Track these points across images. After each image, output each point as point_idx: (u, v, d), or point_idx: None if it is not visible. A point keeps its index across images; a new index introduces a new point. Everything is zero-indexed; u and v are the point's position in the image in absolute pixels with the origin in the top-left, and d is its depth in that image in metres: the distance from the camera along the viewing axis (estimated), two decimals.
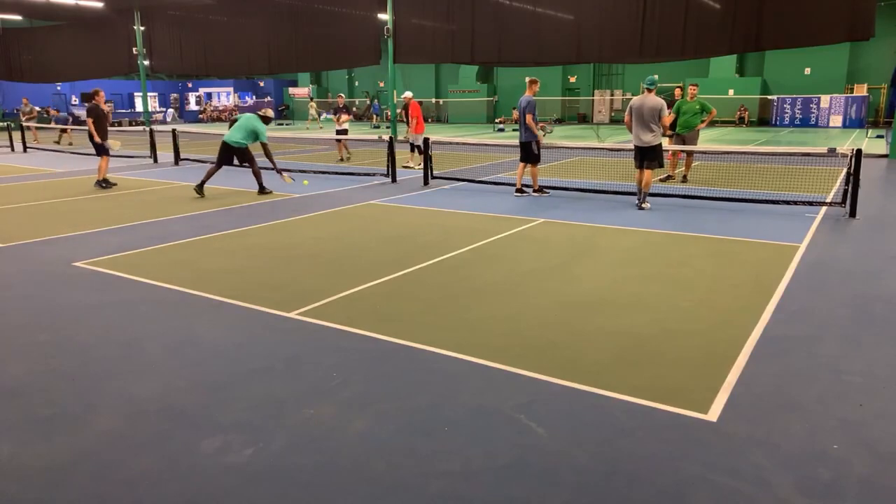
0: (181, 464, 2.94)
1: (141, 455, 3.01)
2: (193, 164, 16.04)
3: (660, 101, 9.04)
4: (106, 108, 12.49)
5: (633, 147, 9.47)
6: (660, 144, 9.23)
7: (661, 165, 9.45)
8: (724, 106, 29.88)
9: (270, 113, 11.50)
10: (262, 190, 11.18)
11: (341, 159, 16.81)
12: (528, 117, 10.22)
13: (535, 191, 10.82)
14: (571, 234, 7.83)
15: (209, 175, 11.04)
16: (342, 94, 17.89)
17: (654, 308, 5.00)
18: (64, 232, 8.09)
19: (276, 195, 11.03)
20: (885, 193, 10.93)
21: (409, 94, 15.49)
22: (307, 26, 23.90)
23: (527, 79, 10.52)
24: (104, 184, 12.13)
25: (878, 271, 6.06)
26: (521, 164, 10.75)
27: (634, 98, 9.42)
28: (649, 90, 9.10)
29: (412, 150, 15.19)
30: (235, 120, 11.23)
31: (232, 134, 10.97)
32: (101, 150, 12.16)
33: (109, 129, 12.53)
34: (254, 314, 4.94)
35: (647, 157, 9.21)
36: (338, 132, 16.76)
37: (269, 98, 48.37)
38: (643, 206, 9.34)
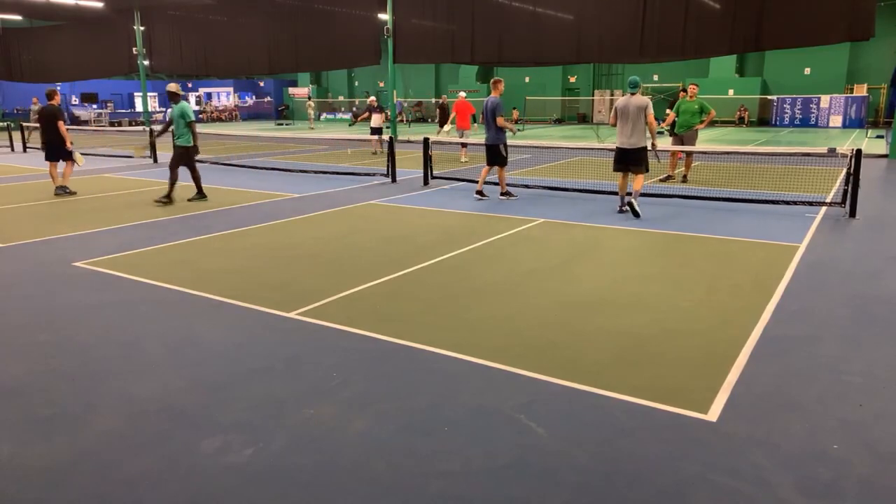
0: (181, 464, 2.94)
1: (141, 455, 3.01)
2: None
3: (645, 100, 8.61)
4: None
5: (615, 148, 8.87)
6: (645, 148, 8.73)
7: (646, 170, 8.81)
8: (724, 106, 29.89)
9: (173, 85, 10.16)
10: (199, 194, 10.43)
11: (375, 153, 18.50)
12: (500, 119, 9.99)
13: (502, 194, 10.47)
14: (571, 234, 7.83)
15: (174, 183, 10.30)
16: (374, 96, 19.16)
17: (654, 308, 5.00)
18: (64, 232, 8.09)
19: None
20: (885, 193, 10.93)
21: (462, 94, 16.73)
22: (307, 26, 23.91)
23: (492, 80, 10.47)
24: (63, 190, 11.26)
25: (877, 271, 6.06)
26: (487, 168, 10.47)
27: (619, 98, 8.98)
28: (633, 94, 8.62)
29: (462, 147, 16.69)
30: (170, 122, 10.23)
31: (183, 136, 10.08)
32: (66, 155, 11.27)
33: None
34: (254, 314, 4.94)
35: (632, 160, 8.69)
36: (372, 130, 18.14)
37: (268, 98, 48.42)
38: (636, 208, 8.66)
